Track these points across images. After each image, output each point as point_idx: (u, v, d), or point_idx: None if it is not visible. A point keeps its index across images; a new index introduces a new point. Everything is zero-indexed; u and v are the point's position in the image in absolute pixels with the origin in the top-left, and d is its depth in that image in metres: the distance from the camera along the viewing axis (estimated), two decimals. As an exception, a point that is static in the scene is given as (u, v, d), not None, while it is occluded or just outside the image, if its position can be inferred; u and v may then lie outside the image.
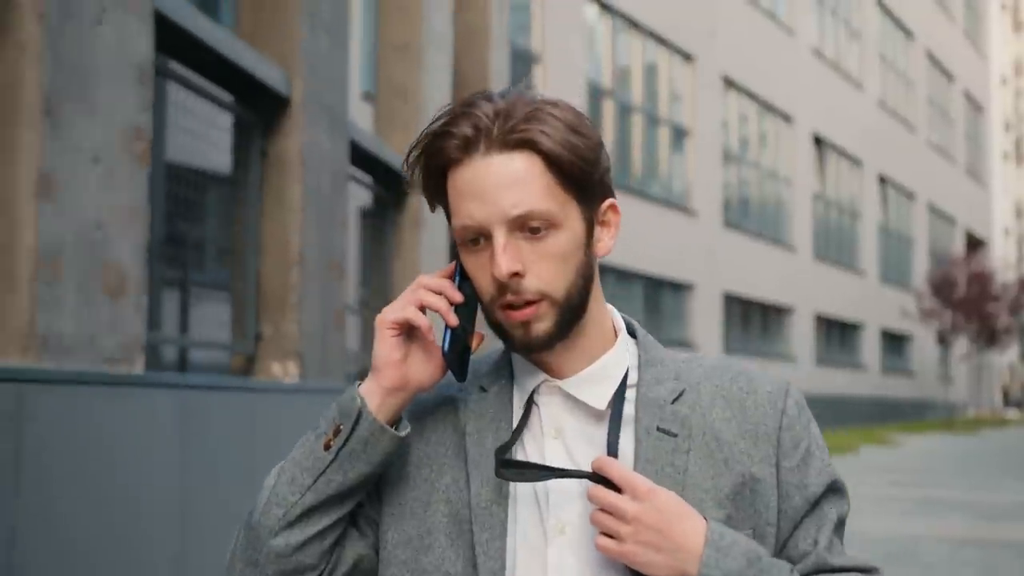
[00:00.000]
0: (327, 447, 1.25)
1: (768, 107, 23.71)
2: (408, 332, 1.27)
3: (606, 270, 17.53)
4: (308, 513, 1.25)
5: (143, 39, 3.81)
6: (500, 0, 8.85)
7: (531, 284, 1.23)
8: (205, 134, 4.89)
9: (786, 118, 24.46)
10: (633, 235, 18.17)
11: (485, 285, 1.25)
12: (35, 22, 3.27)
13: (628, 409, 1.30)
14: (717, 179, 21.46)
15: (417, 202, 7.06)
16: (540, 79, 16.00)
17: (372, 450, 1.25)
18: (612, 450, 1.26)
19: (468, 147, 1.23)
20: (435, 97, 7.49)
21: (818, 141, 25.98)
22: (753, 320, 23.39)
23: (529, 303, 1.24)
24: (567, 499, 1.27)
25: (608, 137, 18.27)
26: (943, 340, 33.07)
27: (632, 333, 1.37)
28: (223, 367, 5.20)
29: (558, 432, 1.29)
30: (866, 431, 24.53)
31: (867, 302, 28.82)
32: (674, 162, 20.55)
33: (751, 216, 23.15)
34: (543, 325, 1.25)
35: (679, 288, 20.36)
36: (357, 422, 1.25)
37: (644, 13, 19.00)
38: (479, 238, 1.24)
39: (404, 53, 7.41)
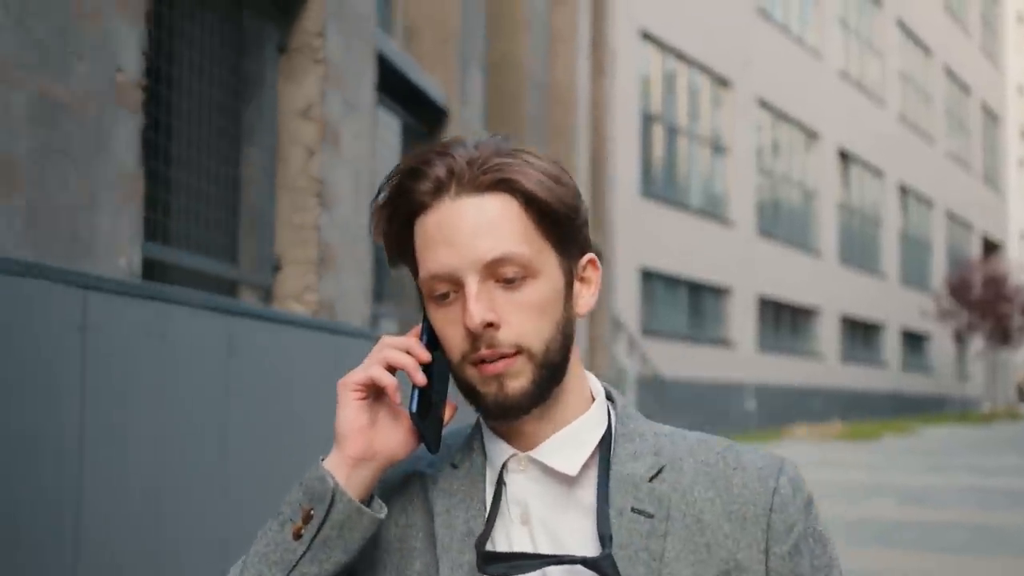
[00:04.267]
0: (297, 536, 1.14)
1: (797, 124, 26.56)
2: (375, 397, 1.18)
3: (654, 276, 20.49)
4: None
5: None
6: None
7: (506, 336, 1.14)
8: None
9: (814, 134, 27.31)
10: (678, 243, 21.11)
11: (456, 341, 1.15)
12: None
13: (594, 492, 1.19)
14: (752, 191, 24.26)
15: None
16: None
17: (349, 535, 1.14)
18: (601, 527, 1.15)
19: (438, 190, 1.15)
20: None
21: (843, 154, 28.85)
22: (784, 320, 26.06)
23: (504, 356, 1.14)
24: None
25: (657, 155, 21.25)
26: (960, 339, 35.43)
27: (610, 399, 1.27)
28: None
29: (524, 518, 1.19)
30: (887, 422, 27.11)
31: (888, 303, 31.39)
32: (714, 176, 23.44)
33: (782, 224, 25.88)
34: (519, 382, 1.15)
35: (718, 292, 23.12)
36: (331, 505, 1.13)
37: (687, 44, 21.88)
38: (448, 291, 1.15)
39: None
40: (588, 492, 1.19)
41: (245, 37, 4.31)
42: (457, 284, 1.15)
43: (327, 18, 4.46)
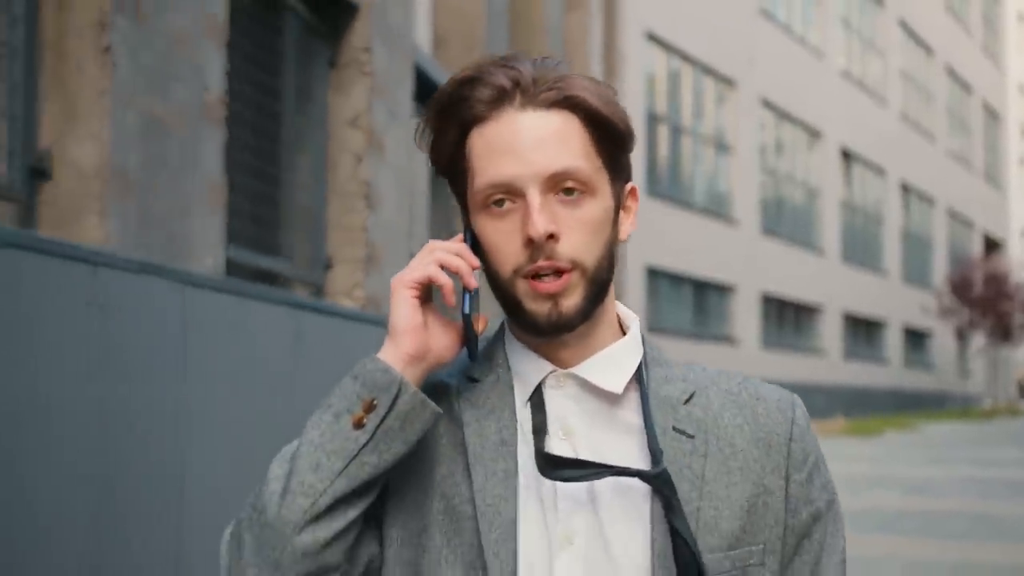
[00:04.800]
0: (358, 425, 1.15)
1: (800, 123, 26.96)
2: (423, 298, 1.19)
3: (659, 274, 20.87)
4: (337, 503, 1.14)
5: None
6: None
7: (565, 249, 1.16)
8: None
9: (816, 133, 27.70)
10: (682, 242, 21.50)
11: (510, 252, 1.17)
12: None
13: (636, 411, 1.22)
14: (755, 189, 24.65)
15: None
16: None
17: (411, 427, 1.15)
18: (652, 443, 1.18)
19: (501, 99, 1.17)
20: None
21: (845, 153, 29.25)
22: (787, 318, 26.44)
23: (560, 272, 1.16)
24: (576, 505, 1.19)
25: (662, 155, 21.64)
26: (961, 336, 35.88)
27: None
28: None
29: (566, 431, 1.21)
30: (889, 419, 27.54)
31: (890, 301, 31.79)
32: (718, 175, 23.83)
33: (785, 222, 26.29)
34: (573, 300, 1.17)
35: (723, 290, 23.53)
36: (398, 395, 1.15)
37: (692, 45, 22.26)
38: (504, 199, 1.16)
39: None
40: (628, 412, 1.23)
41: (299, 54, 4.71)
42: (516, 195, 1.16)
43: (373, 34, 4.85)
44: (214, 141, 3.48)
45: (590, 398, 1.23)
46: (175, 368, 3.05)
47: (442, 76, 6.28)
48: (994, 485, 11.82)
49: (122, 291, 2.80)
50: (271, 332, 3.66)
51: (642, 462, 1.19)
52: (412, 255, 5.56)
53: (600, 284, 1.19)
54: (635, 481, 1.18)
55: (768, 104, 25.24)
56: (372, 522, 1.21)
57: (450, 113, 1.18)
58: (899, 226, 32.84)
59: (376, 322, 4.63)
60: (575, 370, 1.22)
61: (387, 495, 1.21)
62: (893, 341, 32.27)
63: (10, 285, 2.38)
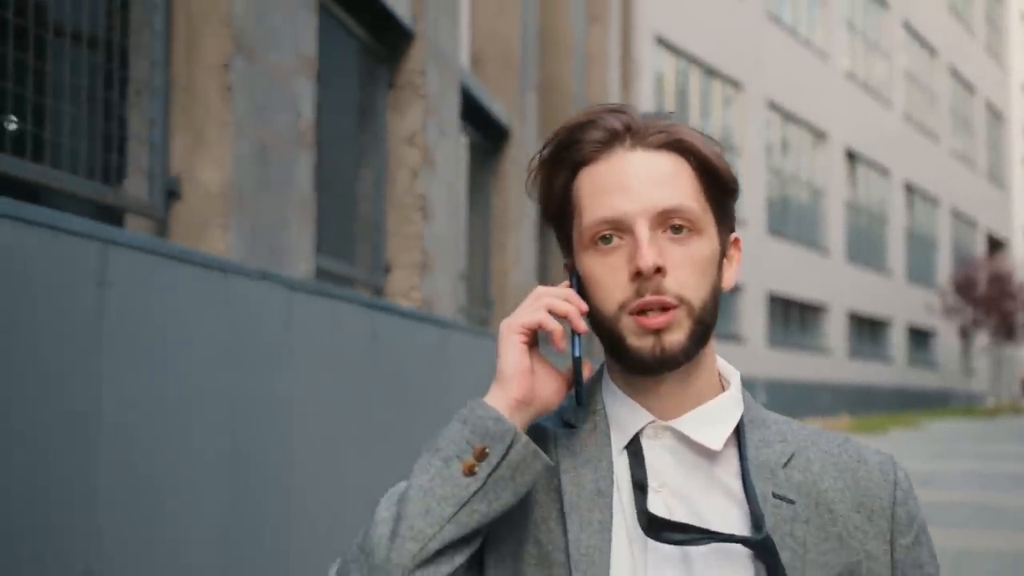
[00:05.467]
0: (470, 472, 1.14)
1: (806, 125, 27.41)
2: (531, 343, 1.20)
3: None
4: (445, 549, 1.14)
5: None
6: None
7: (672, 285, 1.16)
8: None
9: (821, 134, 28.16)
10: (691, 242, 21.82)
11: (616, 287, 1.18)
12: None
13: (735, 473, 1.22)
14: (762, 190, 25.12)
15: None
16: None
17: (520, 478, 1.16)
18: (756, 510, 1.18)
19: (611, 141, 1.20)
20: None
21: (850, 154, 29.69)
22: (792, 317, 26.87)
23: (665, 308, 1.16)
24: (666, 561, 1.19)
25: (671, 158, 22.02)
26: (965, 335, 36.35)
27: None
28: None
29: (660, 484, 1.21)
30: (893, 416, 27.94)
31: (895, 300, 32.25)
32: (724, 177, 24.21)
33: (791, 223, 26.74)
34: (677, 336, 1.17)
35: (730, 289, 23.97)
36: (511, 446, 1.15)
37: (700, 48, 22.72)
38: (612, 235, 1.18)
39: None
40: (726, 471, 1.23)
41: (363, 77, 5.23)
42: (624, 231, 1.18)
43: (426, 59, 5.36)
44: (306, 162, 3.98)
45: (687, 452, 1.23)
46: (282, 361, 3.54)
47: (483, 94, 6.80)
48: (996, 478, 12.31)
49: (245, 295, 3.29)
50: (353, 329, 4.15)
51: (742, 525, 1.20)
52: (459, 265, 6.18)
53: (704, 326, 1.20)
54: (736, 544, 1.18)
55: (774, 105, 25.68)
56: (474, 565, 1.21)
57: (562, 156, 1.22)
58: (903, 226, 33.26)
59: (430, 320, 5.13)
60: (674, 423, 1.22)
61: (486, 538, 1.21)
62: (897, 340, 32.68)
63: (153, 289, 2.85)
